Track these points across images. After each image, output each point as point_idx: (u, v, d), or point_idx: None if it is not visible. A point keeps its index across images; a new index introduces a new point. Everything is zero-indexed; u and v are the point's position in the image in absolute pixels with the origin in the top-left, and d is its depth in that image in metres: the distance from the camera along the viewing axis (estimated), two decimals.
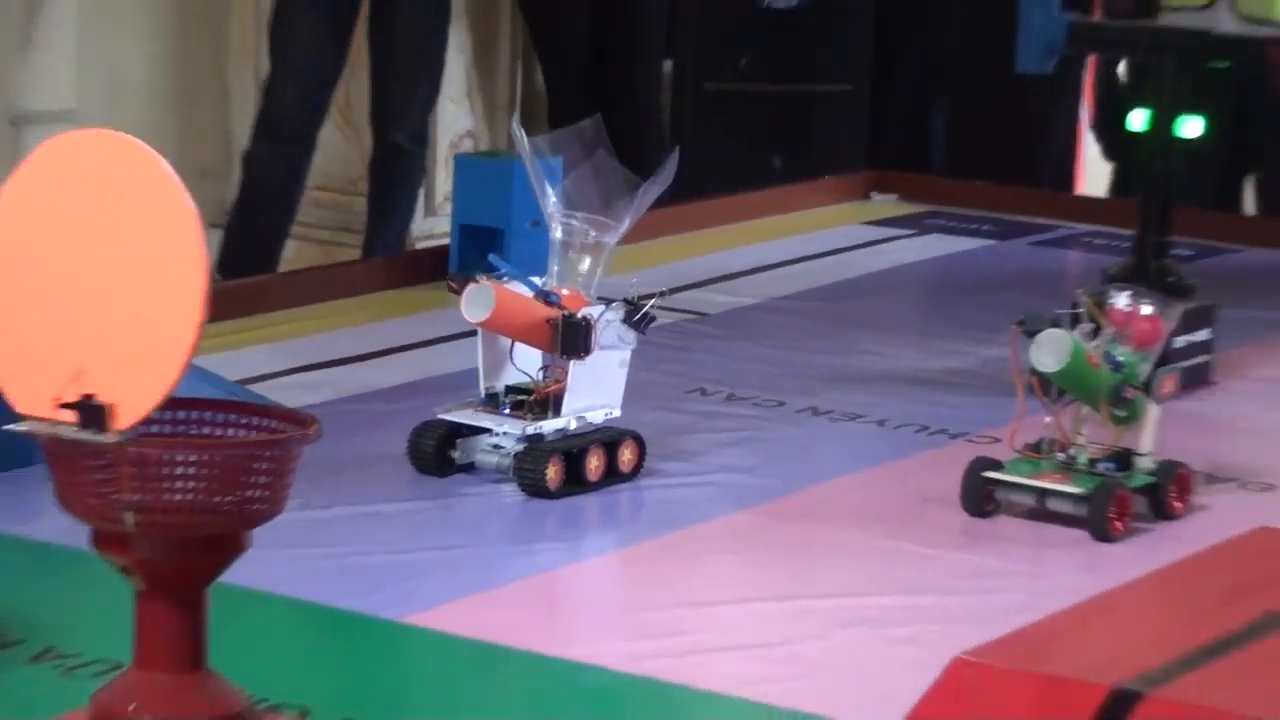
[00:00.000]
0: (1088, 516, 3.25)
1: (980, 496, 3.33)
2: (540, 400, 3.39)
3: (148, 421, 2.05)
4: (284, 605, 2.77)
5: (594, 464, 3.38)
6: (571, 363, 3.36)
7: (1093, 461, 3.30)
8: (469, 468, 3.43)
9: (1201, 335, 4.03)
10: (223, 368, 3.24)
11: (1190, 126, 4.26)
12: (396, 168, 6.44)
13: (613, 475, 3.42)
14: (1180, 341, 3.69)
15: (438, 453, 3.41)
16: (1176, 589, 2.65)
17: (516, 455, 3.35)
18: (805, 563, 3.17)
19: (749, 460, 3.59)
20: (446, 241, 4.73)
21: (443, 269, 4.62)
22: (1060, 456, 3.31)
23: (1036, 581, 3.01)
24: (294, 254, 6.13)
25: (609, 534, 3.33)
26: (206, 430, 2.17)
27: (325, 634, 2.82)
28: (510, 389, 3.43)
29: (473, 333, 3.42)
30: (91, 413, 2.02)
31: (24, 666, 2.65)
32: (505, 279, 3.37)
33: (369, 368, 4.02)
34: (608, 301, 3.41)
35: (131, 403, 2.03)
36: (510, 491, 3.35)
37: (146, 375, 2.04)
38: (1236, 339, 4.23)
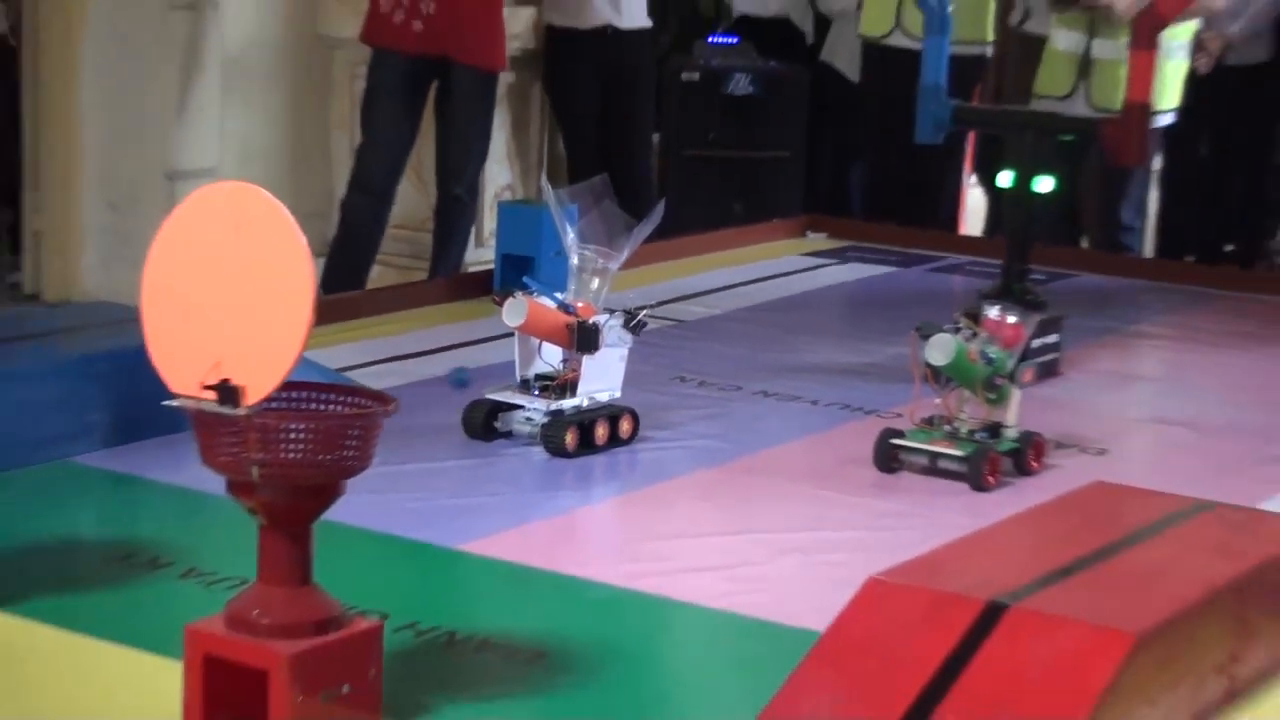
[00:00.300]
0: (967, 473, 3.29)
1: (887, 457, 3.37)
2: (561, 385, 3.41)
3: (269, 399, 2.07)
4: (368, 536, 2.80)
5: (600, 432, 3.42)
6: (584, 357, 3.38)
7: (971, 432, 3.34)
8: (507, 435, 3.45)
9: (1052, 338, 4.08)
10: (324, 359, 3.27)
11: (1044, 184, 4.27)
12: (454, 213, 6.43)
13: (614, 441, 3.45)
14: (1036, 343, 3.72)
15: (484, 423, 3.44)
16: (1034, 528, 2.68)
17: (543, 425, 3.37)
18: (756, 506, 3.19)
19: (715, 430, 3.62)
20: (491, 266, 4.74)
21: (488, 287, 4.63)
22: (947, 428, 3.35)
23: (929, 521, 3.04)
24: (377, 276, 6.13)
25: (611, 484, 3.35)
26: (313, 405, 2.20)
27: (398, 558, 2.85)
28: (539, 376, 3.44)
29: (510, 334, 3.44)
30: (227, 392, 2.05)
31: (174, 582, 2.68)
32: (535, 294, 3.37)
33: (431, 361, 4.04)
34: (611, 311, 3.43)
35: (257, 385, 2.06)
36: (538, 453, 3.38)
37: (268, 364, 2.06)
38: (1077, 341, 4.27)
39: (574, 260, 3.43)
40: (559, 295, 3.39)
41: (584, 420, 3.38)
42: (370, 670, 2.19)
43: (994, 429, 3.33)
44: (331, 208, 6.40)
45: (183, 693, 2.16)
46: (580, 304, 3.38)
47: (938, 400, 3.35)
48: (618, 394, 3.47)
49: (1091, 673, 2.12)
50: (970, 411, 3.33)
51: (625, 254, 3.45)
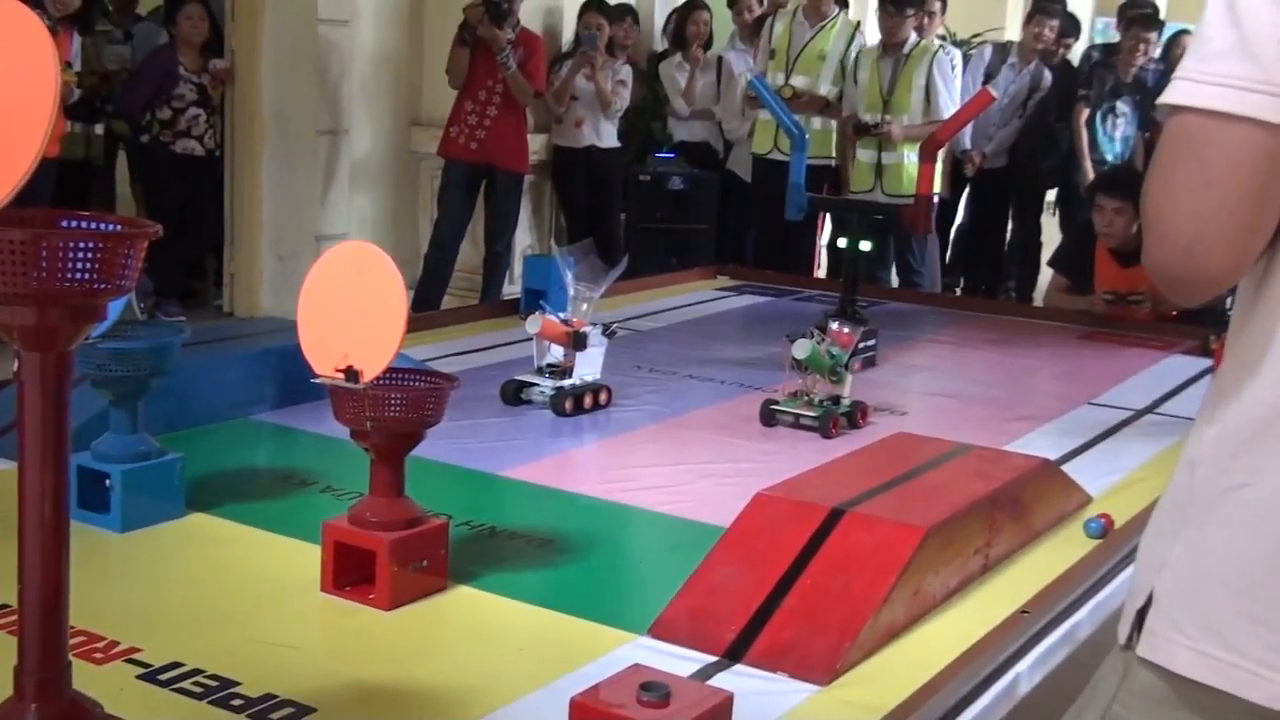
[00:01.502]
0: (819, 427, 3.26)
1: (768, 416, 3.33)
2: (562, 370, 3.36)
3: (378, 378, 2.03)
4: (440, 466, 2.75)
5: (588, 401, 3.37)
6: (577, 353, 3.33)
7: (821, 400, 3.30)
8: (529, 402, 3.39)
9: (871, 342, 4.05)
10: (412, 354, 3.22)
11: (865, 245, 4.26)
12: (496, 263, 6.40)
13: (596, 407, 3.39)
14: (862, 345, 3.69)
15: (513, 394, 3.38)
16: (861, 460, 2.65)
17: (551, 396, 3.32)
18: (685, 448, 3.15)
19: (659, 399, 3.57)
20: (519, 296, 4.68)
21: (516, 309, 4.59)
22: (806, 398, 3.31)
23: (795, 458, 2.99)
24: (446, 302, 6.09)
25: (593, 434, 3.29)
26: (404, 382, 2.16)
27: (458, 480, 2.80)
28: (549, 364, 3.39)
29: (530, 338, 3.41)
30: (351, 374, 2.01)
31: (316, 495, 2.64)
32: (547, 313, 3.33)
33: (480, 355, 3.98)
34: (595, 324, 3.39)
35: (370, 369, 2.02)
36: (548, 415, 3.32)
37: (378, 356, 2.03)
38: (886, 344, 4.24)
39: (571, 292, 3.38)
40: (562, 314, 3.35)
41: (577, 393, 3.34)
42: (440, 551, 2.17)
43: (835, 399, 3.31)
44: (418, 259, 6.38)
45: (321, 564, 2.14)
46: (575, 319, 3.34)
47: (800, 380, 3.31)
48: (598, 376, 3.42)
49: (897, 552, 2.11)
50: (820, 388, 3.31)
51: (603, 289, 3.42)
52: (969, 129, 6.94)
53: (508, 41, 6.07)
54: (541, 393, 3.36)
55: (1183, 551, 1.21)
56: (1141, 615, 1.23)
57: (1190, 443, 1.26)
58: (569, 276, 3.41)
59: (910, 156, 5.79)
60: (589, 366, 3.38)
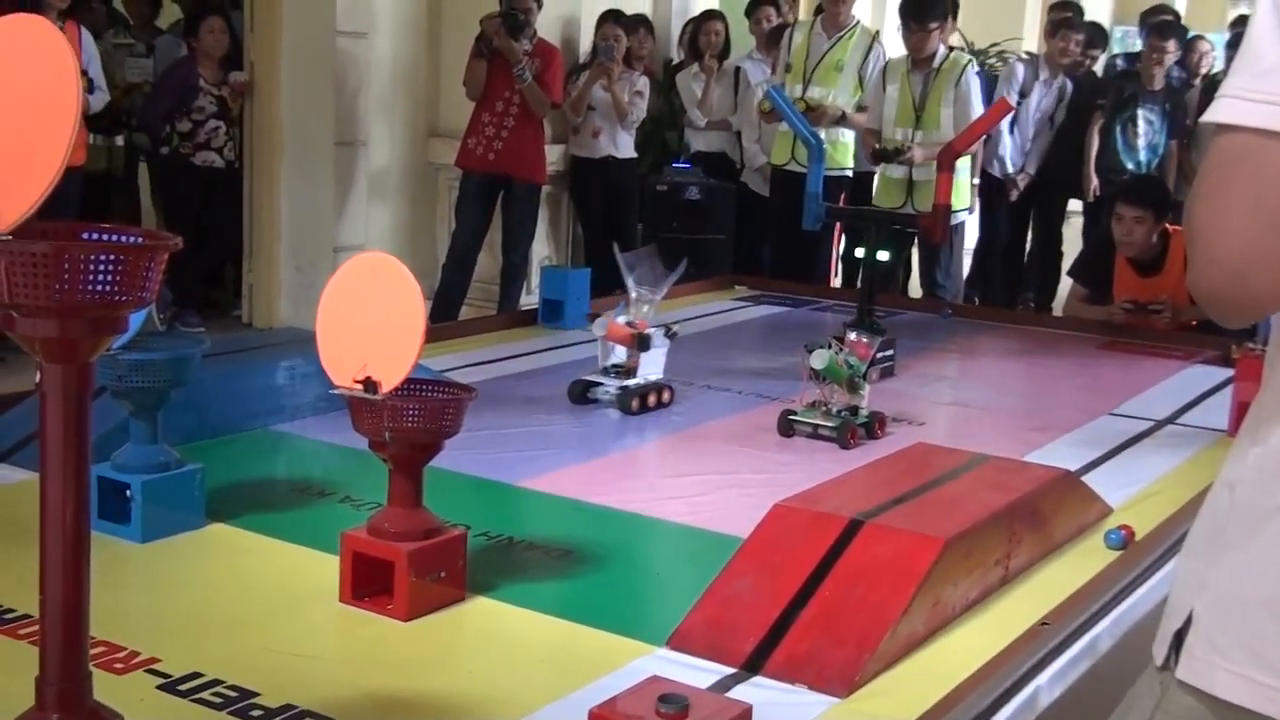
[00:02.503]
0: (837, 437, 3.25)
1: (786, 427, 3.33)
2: (627, 370, 3.47)
3: (396, 389, 2.03)
4: (455, 477, 2.74)
5: (652, 399, 3.48)
6: (641, 353, 3.45)
7: (839, 411, 3.29)
8: (595, 401, 3.49)
9: (889, 352, 4.04)
10: (430, 364, 3.22)
11: (883, 255, 4.25)
12: (512, 273, 6.41)
13: (659, 405, 3.52)
14: (879, 355, 3.68)
15: (581, 393, 3.50)
16: (879, 471, 2.64)
17: (617, 395, 3.43)
18: (702, 459, 3.15)
19: (679, 409, 3.57)
20: (536, 306, 4.69)
21: (534, 320, 4.60)
22: (824, 408, 3.31)
23: (812, 468, 2.98)
24: (464, 313, 6.10)
25: (611, 445, 3.28)
26: (423, 392, 2.16)
27: (476, 490, 2.80)
28: (614, 365, 3.49)
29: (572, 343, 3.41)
30: (370, 385, 2.01)
31: (335, 505, 2.64)
32: (612, 316, 3.46)
33: (498, 366, 3.99)
34: (657, 326, 3.52)
35: (388, 380, 2.02)
36: (614, 413, 3.44)
37: (396, 367, 2.03)
38: (903, 354, 4.23)
39: (633, 295, 3.48)
40: (624, 317, 3.47)
41: (642, 391, 3.45)
42: (459, 561, 2.17)
43: (853, 409, 3.30)
44: (436, 269, 6.39)
45: (339, 575, 2.14)
46: (638, 321, 3.45)
47: (818, 391, 3.30)
48: (661, 375, 3.54)
49: (916, 564, 2.10)
50: (838, 398, 3.30)
51: (663, 291, 3.54)
52: (1008, 148, 6.94)
53: (524, 53, 6.09)
54: (607, 392, 3.46)
55: (1223, 573, 1.18)
56: (1180, 636, 1.20)
57: (1230, 463, 1.23)
58: (630, 280, 3.51)
59: None
60: (652, 366, 3.51)
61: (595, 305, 4.69)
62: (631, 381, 3.43)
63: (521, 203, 6.34)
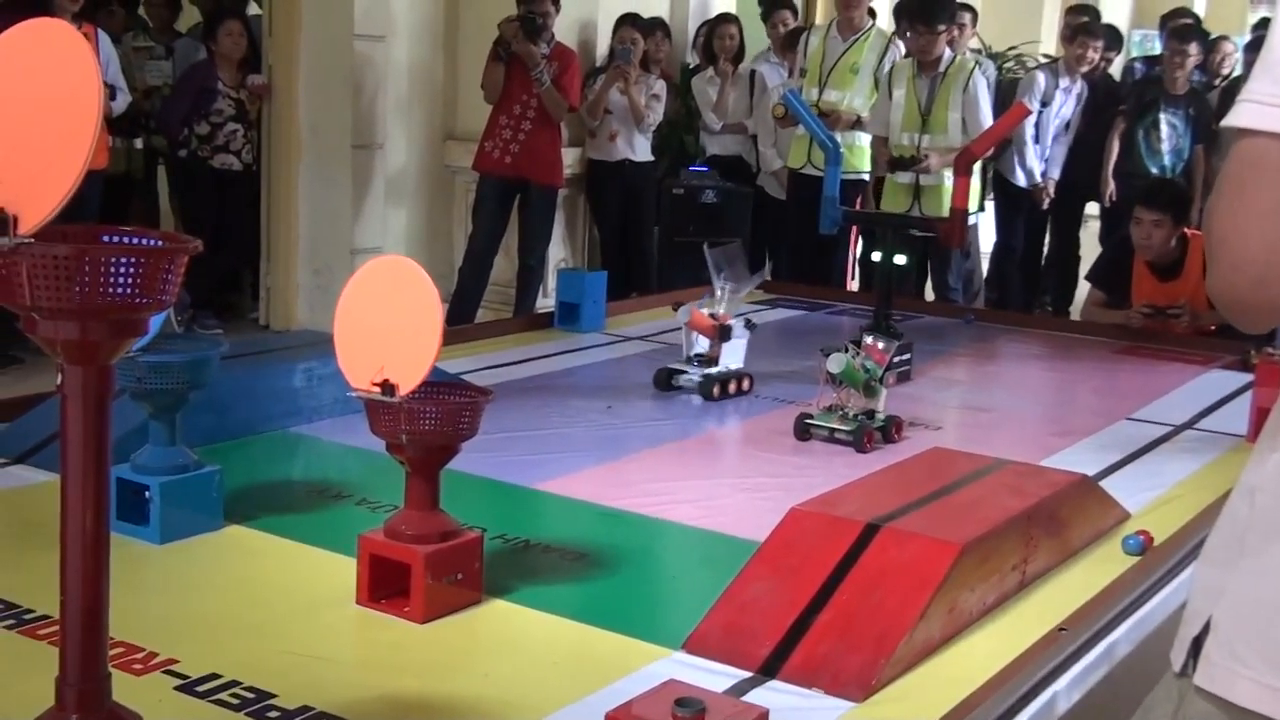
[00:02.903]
0: (853, 441, 3.25)
1: (802, 430, 3.32)
2: (709, 359, 3.65)
3: (413, 392, 2.04)
4: (471, 479, 2.75)
5: (732, 386, 3.64)
6: (723, 343, 3.62)
7: (855, 415, 3.29)
8: (679, 388, 3.67)
9: (905, 356, 4.03)
10: (446, 367, 3.22)
11: (899, 259, 4.24)
12: (529, 277, 6.42)
13: (739, 392, 3.69)
14: (896, 359, 3.68)
15: (666, 380, 3.68)
16: (897, 475, 2.64)
17: (699, 382, 3.61)
18: (718, 462, 3.15)
19: (691, 412, 3.56)
20: (552, 309, 4.69)
21: (549, 323, 4.61)
22: (840, 412, 3.30)
23: (829, 472, 2.98)
24: (481, 315, 6.11)
25: (628, 446, 3.23)
26: (440, 394, 2.16)
27: (490, 494, 2.80)
28: (697, 354, 3.67)
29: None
30: (387, 388, 2.01)
31: (351, 507, 2.65)
32: (696, 306, 3.65)
33: (515, 369, 3.99)
34: (738, 317, 3.69)
35: (405, 382, 2.03)
36: (697, 400, 3.62)
37: (413, 369, 2.04)
38: (920, 358, 4.21)
39: (717, 289, 3.68)
40: (708, 309, 3.65)
41: (723, 379, 3.62)
42: (475, 564, 2.17)
43: (870, 413, 3.30)
44: (452, 272, 6.40)
45: (356, 577, 2.15)
46: (721, 311, 3.63)
47: (835, 395, 3.30)
48: (741, 364, 3.71)
49: (933, 569, 2.09)
50: (854, 402, 3.30)
51: (748, 287, 3.75)
52: (1031, 155, 6.91)
53: (542, 56, 6.10)
54: (690, 379, 3.63)
55: (1243, 580, 1.17)
56: (1198, 643, 1.20)
57: (1250, 469, 1.22)
58: (716, 275, 3.69)
59: (950, 178, 5.75)
60: (733, 356, 3.68)
61: (612, 307, 4.71)
62: (713, 370, 3.63)
63: (538, 206, 6.35)
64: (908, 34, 6.34)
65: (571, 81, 6.30)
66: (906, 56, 6.12)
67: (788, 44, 7.00)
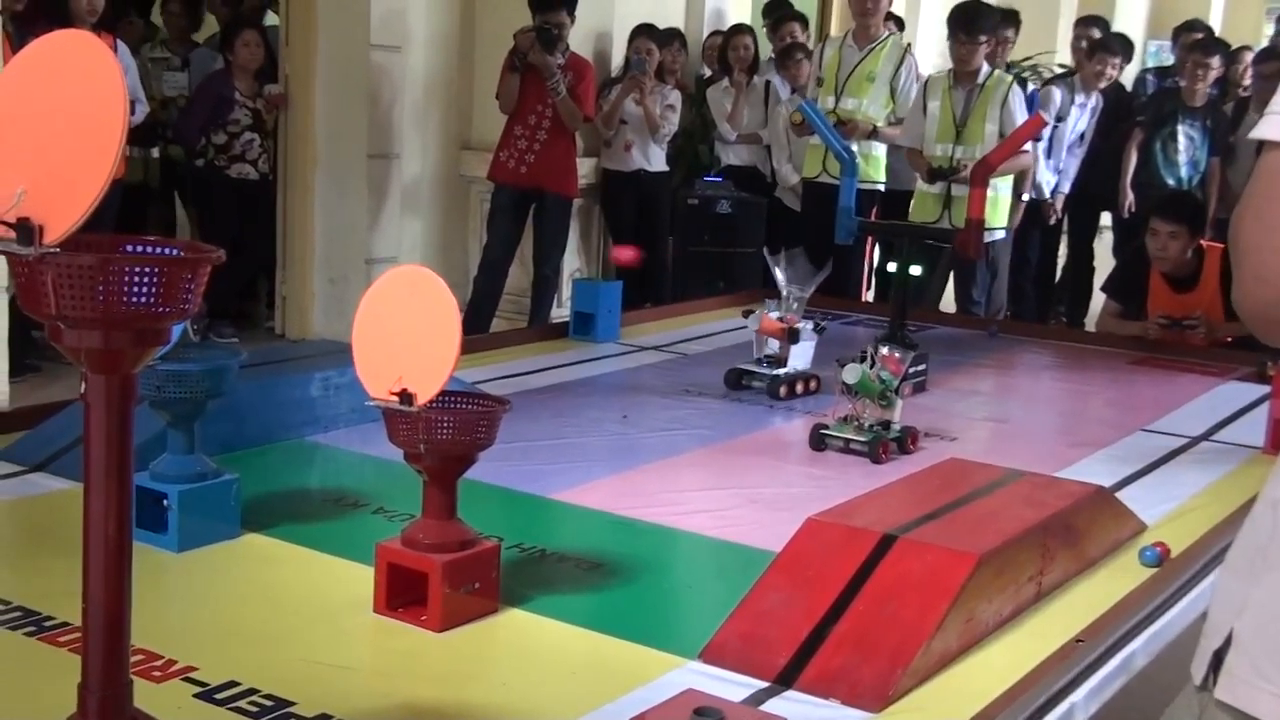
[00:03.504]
0: (869, 451, 3.24)
1: (818, 441, 3.32)
2: (778, 360, 3.80)
3: (431, 401, 2.04)
4: (487, 489, 2.75)
5: (800, 387, 3.78)
6: (791, 345, 3.78)
7: (871, 425, 3.29)
8: (750, 387, 3.84)
9: (921, 367, 4.02)
10: (462, 375, 3.23)
11: (915, 269, 4.24)
12: (544, 286, 6.43)
13: (807, 392, 3.83)
14: (911, 370, 3.67)
15: (736, 380, 3.86)
16: (913, 486, 2.64)
17: (769, 382, 3.76)
18: (733, 473, 3.15)
19: (708, 423, 3.56)
20: (568, 319, 4.70)
21: (565, 332, 4.61)
22: (856, 423, 3.30)
23: (844, 483, 2.98)
24: (495, 325, 6.12)
25: (641, 457, 3.24)
26: (458, 404, 2.17)
27: (507, 503, 2.80)
28: (766, 356, 3.84)
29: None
30: (406, 397, 2.02)
31: (368, 516, 2.66)
32: (767, 311, 3.81)
33: (531, 379, 3.99)
34: (806, 320, 3.86)
35: (423, 392, 2.03)
36: (767, 400, 3.77)
37: (431, 379, 2.04)
38: (936, 369, 4.21)
39: (784, 293, 3.82)
40: (776, 313, 3.79)
41: (791, 380, 3.76)
42: (492, 573, 2.18)
43: (885, 424, 3.30)
44: (467, 281, 6.41)
45: (374, 586, 2.15)
46: (789, 315, 3.78)
47: (850, 405, 3.30)
48: (809, 366, 3.85)
49: (950, 580, 2.09)
50: (870, 413, 3.30)
51: (811, 289, 3.86)
52: (1043, 173, 6.89)
53: (558, 67, 6.12)
54: (760, 380, 3.79)
55: (1265, 594, 1.17)
56: (1219, 656, 1.19)
57: (1272, 481, 1.22)
58: (783, 279, 3.83)
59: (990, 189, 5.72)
60: (801, 358, 3.82)
61: (627, 317, 4.71)
62: (781, 370, 3.78)
63: (553, 216, 6.37)
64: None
65: (587, 92, 6.32)
66: (950, 70, 6.11)
67: (782, 61, 7.01)
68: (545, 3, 6.06)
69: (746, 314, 3.96)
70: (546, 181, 6.25)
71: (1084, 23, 7.83)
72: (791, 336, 3.78)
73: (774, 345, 3.82)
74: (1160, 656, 2.24)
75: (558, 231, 6.44)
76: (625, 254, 2.05)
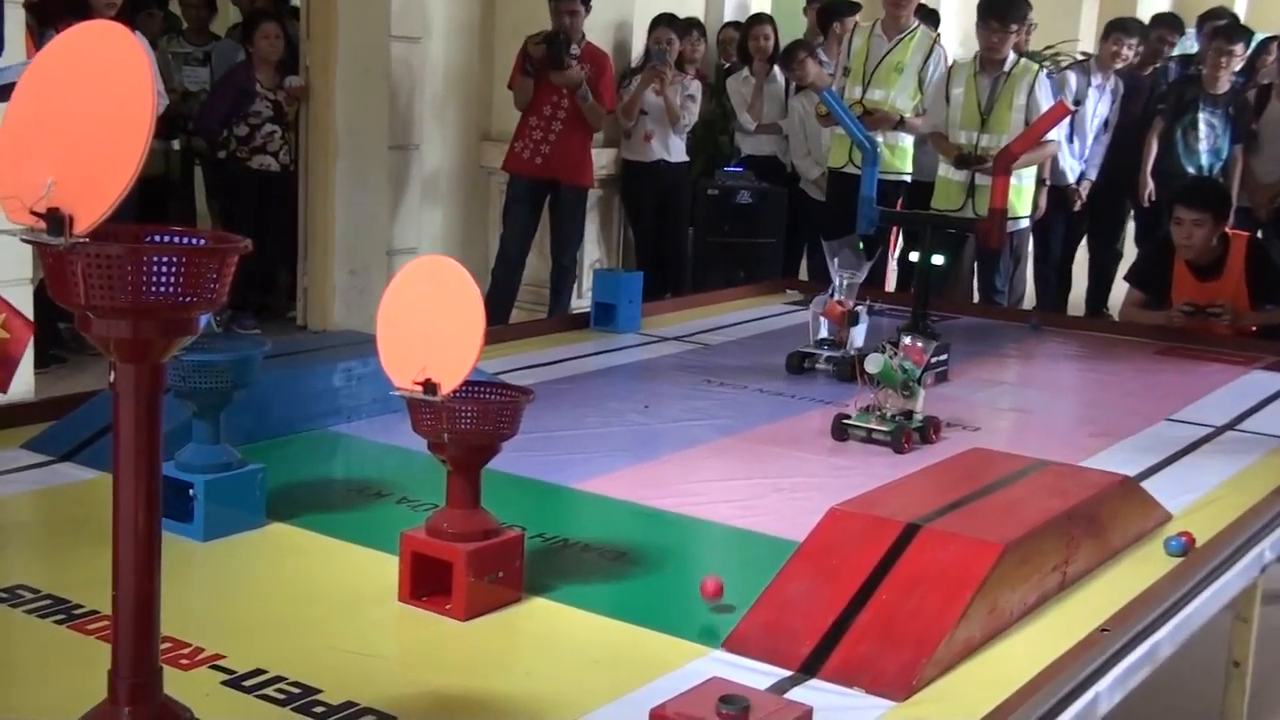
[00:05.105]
0: (891, 442, 3.24)
1: (840, 431, 3.32)
2: (838, 342, 3.95)
3: (454, 392, 2.05)
4: (510, 478, 2.75)
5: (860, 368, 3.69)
6: (852, 327, 3.92)
7: (893, 415, 3.28)
8: (812, 370, 3.97)
9: (943, 357, 4.02)
10: (483, 366, 3.24)
11: (938, 259, 4.23)
12: (563, 277, 6.44)
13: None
14: (933, 360, 3.67)
15: (798, 364, 3.98)
16: (935, 476, 2.64)
17: (831, 362, 3.92)
18: (756, 463, 3.15)
19: (729, 413, 3.56)
20: (589, 309, 4.70)
21: (585, 324, 4.61)
22: (878, 413, 3.30)
23: (867, 473, 2.97)
24: (515, 315, 6.13)
25: (663, 447, 3.23)
26: (480, 394, 2.18)
27: (529, 493, 2.80)
28: (822, 339, 3.98)
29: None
30: (429, 387, 2.03)
31: (392, 505, 2.67)
32: (831, 296, 3.95)
33: (551, 369, 3.99)
34: (861, 303, 3.99)
35: (447, 382, 2.04)
36: (829, 381, 3.91)
37: (454, 370, 2.05)
38: (958, 359, 4.20)
39: (836, 279, 3.94)
40: (837, 297, 3.93)
41: (852, 360, 3.79)
42: (516, 562, 2.19)
43: (908, 414, 3.29)
44: (487, 272, 6.43)
45: (398, 575, 2.16)
46: (844, 299, 3.92)
47: (872, 395, 3.30)
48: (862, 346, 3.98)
49: (974, 570, 2.09)
50: (892, 403, 3.29)
51: (864, 273, 4.00)
52: (1067, 158, 6.86)
53: (574, 59, 6.11)
54: (820, 361, 3.96)
55: None
56: None
57: None
58: (835, 264, 3.95)
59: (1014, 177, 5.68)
60: (859, 338, 3.96)
61: (647, 308, 4.72)
62: (838, 353, 3.93)
63: (569, 206, 6.38)
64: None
65: (607, 86, 6.33)
66: (975, 55, 6.08)
67: (784, 59, 6.98)
68: None
69: (809, 301, 4.13)
70: (562, 173, 6.26)
71: (1210, 15, 7.76)
72: (851, 319, 3.93)
73: (828, 328, 3.97)
74: (1186, 646, 2.24)
75: (574, 222, 6.44)
76: (711, 585, 2.08)
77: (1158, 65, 7.39)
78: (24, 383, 4.71)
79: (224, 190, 6.83)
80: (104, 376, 1.46)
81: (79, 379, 4.96)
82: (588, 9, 6.24)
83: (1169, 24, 7.72)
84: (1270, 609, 3.03)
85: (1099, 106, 7.01)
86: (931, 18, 7.04)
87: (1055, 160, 6.85)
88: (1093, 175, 7.01)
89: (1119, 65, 7.05)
